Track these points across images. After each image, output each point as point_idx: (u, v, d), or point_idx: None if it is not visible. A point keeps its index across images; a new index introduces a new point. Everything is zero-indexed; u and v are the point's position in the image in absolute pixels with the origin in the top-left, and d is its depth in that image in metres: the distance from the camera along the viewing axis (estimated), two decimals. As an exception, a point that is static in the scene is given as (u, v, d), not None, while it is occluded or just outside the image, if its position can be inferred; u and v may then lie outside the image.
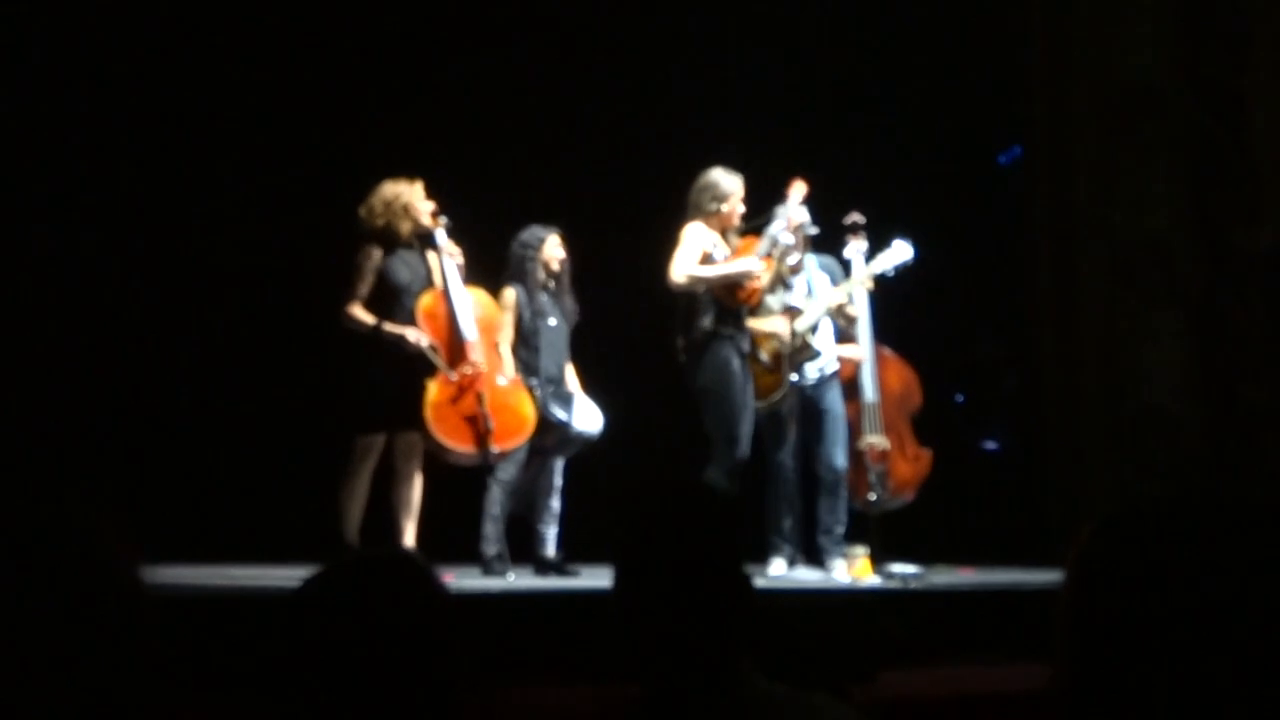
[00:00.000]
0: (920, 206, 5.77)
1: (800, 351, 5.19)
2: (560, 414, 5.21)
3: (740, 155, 5.51)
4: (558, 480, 5.40)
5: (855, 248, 5.61)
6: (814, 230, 5.18)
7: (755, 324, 5.30)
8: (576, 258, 5.47)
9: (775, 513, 5.29)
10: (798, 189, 5.25)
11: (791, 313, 5.27)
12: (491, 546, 5.23)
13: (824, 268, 5.49)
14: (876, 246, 5.43)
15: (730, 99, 6.39)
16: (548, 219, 5.48)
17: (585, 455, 5.39)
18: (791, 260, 5.26)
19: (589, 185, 6.34)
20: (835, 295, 5.34)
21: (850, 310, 5.38)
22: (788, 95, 6.44)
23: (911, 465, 5.74)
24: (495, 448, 5.00)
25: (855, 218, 5.62)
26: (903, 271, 5.20)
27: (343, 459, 5.01)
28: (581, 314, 5.51)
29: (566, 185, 6.24)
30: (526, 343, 5.32)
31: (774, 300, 5.36)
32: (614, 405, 5.38)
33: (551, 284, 5.41)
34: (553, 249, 5.37)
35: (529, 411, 5.13)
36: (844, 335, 5.61)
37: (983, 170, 6.51)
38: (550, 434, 5.24)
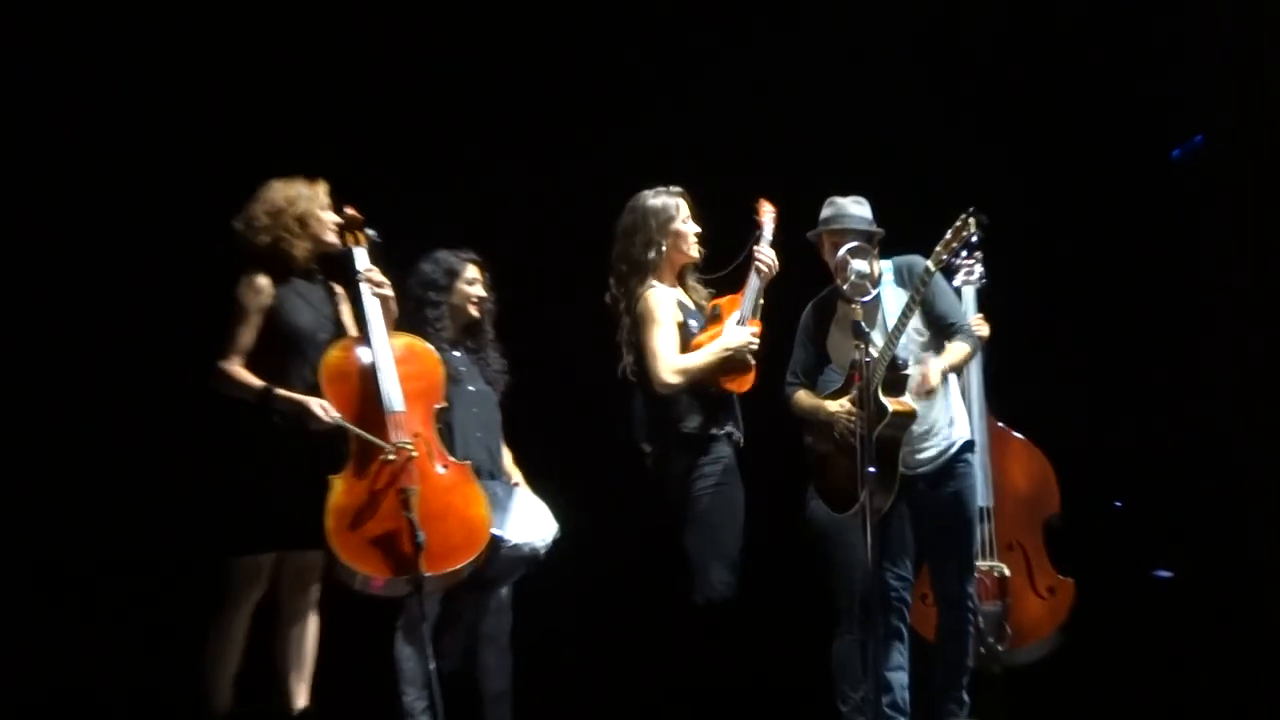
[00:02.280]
0: (1057, 220, 5.38)
1: (883, 420, 4.36)
2: (488, 522, 4.49)
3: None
4: (506, 619, 4.73)
5: (966, 272, 4.99)
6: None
7: (823, 402, 4.61)
8: (504, 293, 4.84)
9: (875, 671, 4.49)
10: (767, 217, 4.73)
11: (860, 370, 4.35)
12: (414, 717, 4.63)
13: (902, 280, 4.60)
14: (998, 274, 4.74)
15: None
16: (465, 241, 4.82)
17: (541, 579, 4.70)
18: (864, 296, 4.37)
19: (536, 190, 5.67)
20: (895, 311, 4.50)
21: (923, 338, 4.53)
22: (874, 71, 5.71)
23: (1045, 601, 5.05)
24: (428, 571, 4.25)
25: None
26: (977, 247, 4.64)
27: (211, 593, 4.34)
28: (514, 373, 4.84)
29: (501, 191, 5.59)
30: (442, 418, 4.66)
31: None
32: (580, 502, 4.79)
33: (468, 337, 4.83)
34: (469, 286, 4.77)
35: (481, 513, 4.39)
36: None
37: (1147, 170, 5.65)
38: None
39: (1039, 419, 5.21)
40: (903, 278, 4.55)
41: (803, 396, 4.59)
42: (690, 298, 4.67)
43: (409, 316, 4.63)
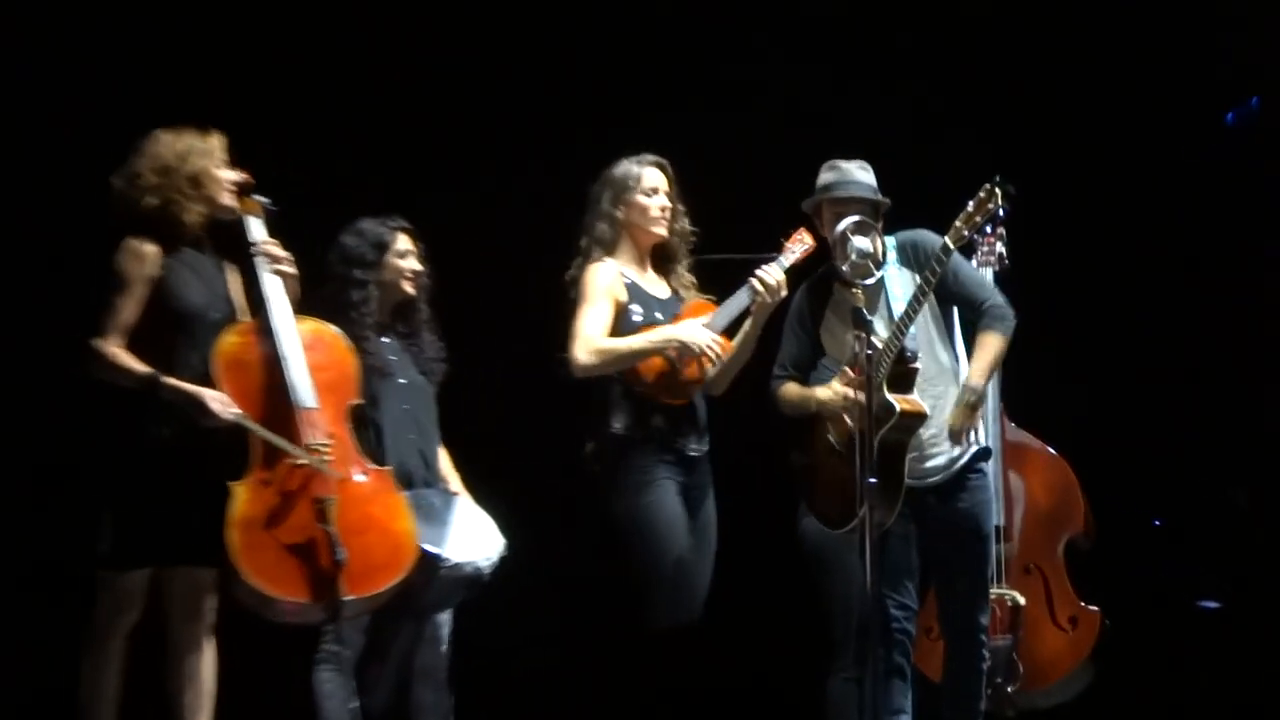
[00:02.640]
0: (1092, 196, 5.00)
1: (889, 421, 3.90)
2: (424, 537, 4.08)
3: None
4: (443, 649, 4.31)
5: (985, 251, 4.60)
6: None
7: (813, 391, 4.13)
8: (441, 267, 4.41)
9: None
10: (798, 246, 4.25)
11: (860, 364, 3.84)
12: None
13: (906, 259, 4.13)
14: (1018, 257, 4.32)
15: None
16: (397, 208, 4.37)
17: (486, 603, 4.29)
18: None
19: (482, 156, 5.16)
20: (900, 295, 4.05)
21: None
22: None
23: (1065, 635, 4.71)
24: (349, 595, 3.83)
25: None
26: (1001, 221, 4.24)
27: (82, 618, 3.91)
28: (453, 361, 4.41)
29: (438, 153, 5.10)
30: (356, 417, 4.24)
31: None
32: (530, 514, 4.40)
33: (399, 321, 4.42)
34: (401, 259, 4.33)
35: (406, 527, 3.97)
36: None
37: (1195, 137, 5.26)
38: (412, 573, 4.10)
39: (1062, 424, 4.86)
40: (908, 256, 4.05)
41: (790, 389, 4.08)
42: (669, 284, 4.21)
43: (330, 299, 4.18)
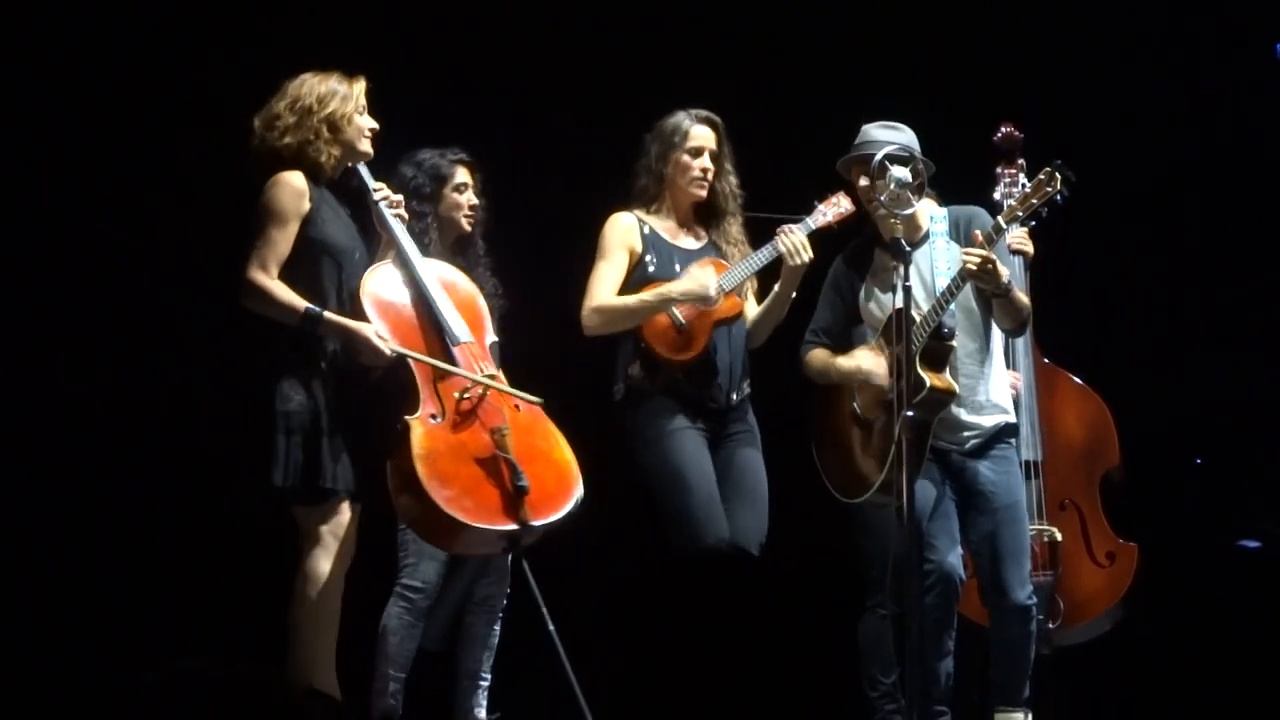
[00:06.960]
0: (1127, 127, 4.77)
1: (918, 395, 3.76)
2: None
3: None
4: (504, 585, 4.19)
5: (1007, 184, 4.43)
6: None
7: (836, 359, 4.09)
8: (497, 204, 4.30)
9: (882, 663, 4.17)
10: (831, 209, 4.18)
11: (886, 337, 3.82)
12: (384, 700, 4.09)
13: (957, 234, 4.02)
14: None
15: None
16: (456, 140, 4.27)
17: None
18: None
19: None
20: (946, 269, 3.89)
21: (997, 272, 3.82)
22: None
23: (1103, 570, 4.54)
24: (534, 520, 3.73)
25: (1007, 131, 4.47)
26: (1060, 208, 3.91)
27: (281, 559, 3.72)
28: (511, 298, 4.29)
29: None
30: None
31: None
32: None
33: (456, 256, 4.26)
34: (459, 193, 4.25)
35: (567, 456, 3.86)
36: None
37: (1243, 71, 5.01)
38: None
39: (1094, 355, 4.65)
40: (958, 231, 3.93)
41: (817, 355, 4.01)
42: (711, 238, 4.12)
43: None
